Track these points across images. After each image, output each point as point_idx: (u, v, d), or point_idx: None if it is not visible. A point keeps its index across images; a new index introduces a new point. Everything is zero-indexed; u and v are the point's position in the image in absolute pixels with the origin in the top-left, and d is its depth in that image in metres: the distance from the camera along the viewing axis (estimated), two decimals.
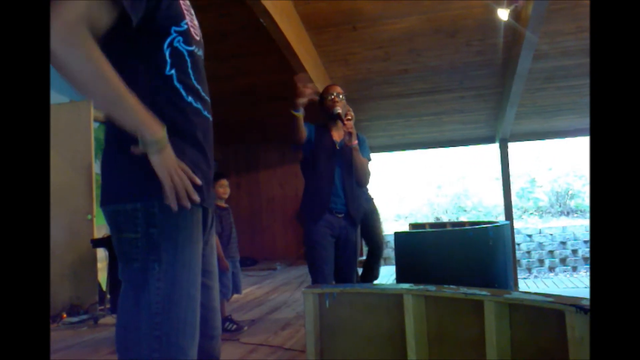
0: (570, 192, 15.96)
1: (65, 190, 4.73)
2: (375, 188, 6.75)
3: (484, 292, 1.76)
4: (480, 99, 7.63)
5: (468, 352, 1.81)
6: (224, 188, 3.96)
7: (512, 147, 9.23)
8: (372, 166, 3.26)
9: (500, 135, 8.78)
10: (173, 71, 1.30)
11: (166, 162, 1.21)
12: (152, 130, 1.18)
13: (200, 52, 1.41)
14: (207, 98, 1.41)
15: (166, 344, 1.22)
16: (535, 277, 11.63)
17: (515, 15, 4.95)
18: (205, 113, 1.38)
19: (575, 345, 1.45)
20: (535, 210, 16.06)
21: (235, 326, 3.82)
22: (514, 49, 5.71)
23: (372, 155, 3.37)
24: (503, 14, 4.84)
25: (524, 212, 15.96)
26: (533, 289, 9.87)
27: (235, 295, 4.10)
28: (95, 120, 5.34)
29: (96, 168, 5.46)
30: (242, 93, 7.27)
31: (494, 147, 9.42)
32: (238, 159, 9.45)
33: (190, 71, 1.34)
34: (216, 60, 5.79)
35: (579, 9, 5.07)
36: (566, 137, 9.51)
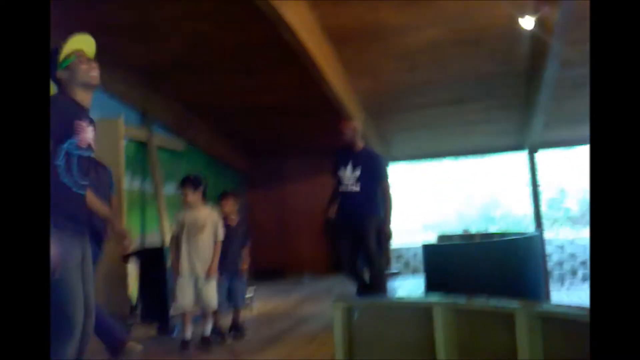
0: None
1: None
2: (403, 198, 6.71)
3: (514, 305, 1.73)
4: (506, 109, 7.53)
5: None
6: (229, 207, 4.20)
7: (541, 155, 9.08)
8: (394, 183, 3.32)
9: (528, 144, 8.65)
10: (62, 167, 2.03)
11: None
12: None
13: (87, 153, 2.15)
14: (85, 182, 2.16)
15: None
16: (568, 288, 11.37)
17: (540, 23, 4.89)
18: (82, 192, 2.14)
19: None
20: (566, 220, 15.73)
21: (219, 338, 4.03)
22: (539, 57, 5.63)
23: (400, 165, 3.42)
24: (528, 22, 4.79)
25: (555, 222, 15.64)
26: (566, 300, 9.64)
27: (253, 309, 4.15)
28: (125, 137, 5.45)
29: (126, 184, 5.56)
30: (268, 107, 7.30)
31: (523, 156, 9.29)
32: (265, 171, 9.51)
33: (76, 167, 2.08)
34: (244, 74, 5.86)
35: None
36: None
